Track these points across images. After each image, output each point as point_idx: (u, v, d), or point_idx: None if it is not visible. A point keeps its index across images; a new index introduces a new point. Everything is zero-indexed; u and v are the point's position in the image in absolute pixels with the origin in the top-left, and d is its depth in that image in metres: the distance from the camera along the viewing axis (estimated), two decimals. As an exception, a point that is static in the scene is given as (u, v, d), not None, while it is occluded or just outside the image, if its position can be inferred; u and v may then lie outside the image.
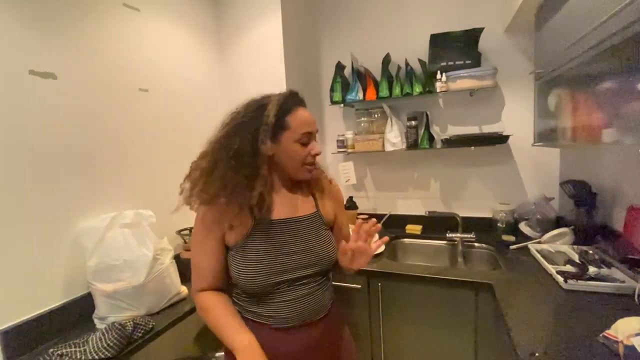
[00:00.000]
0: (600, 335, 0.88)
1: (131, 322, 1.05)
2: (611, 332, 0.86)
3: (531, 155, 1.82)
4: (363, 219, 1.06)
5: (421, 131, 1.89)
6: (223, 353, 0.92)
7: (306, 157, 0.88)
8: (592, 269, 1.26)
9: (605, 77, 0.94)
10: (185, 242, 1.55)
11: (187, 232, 1.56)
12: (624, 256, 1.26)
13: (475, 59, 1.77)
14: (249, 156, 0.82)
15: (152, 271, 1.19)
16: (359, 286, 1.58)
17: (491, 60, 1.82)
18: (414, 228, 2.03)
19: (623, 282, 1.15)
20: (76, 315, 1.17)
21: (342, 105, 2.01)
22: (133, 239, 1.21)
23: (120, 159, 1.37)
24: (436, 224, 1.97)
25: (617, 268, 1.26)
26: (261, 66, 1.84)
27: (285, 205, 0.90)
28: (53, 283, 1.13)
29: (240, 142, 0.82)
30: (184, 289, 1.34)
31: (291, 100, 0.88)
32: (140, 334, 1.06)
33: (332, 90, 1.99)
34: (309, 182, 0.96)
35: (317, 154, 0.89)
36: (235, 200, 0.81)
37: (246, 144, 0.82)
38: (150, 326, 1.11)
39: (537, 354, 0.86)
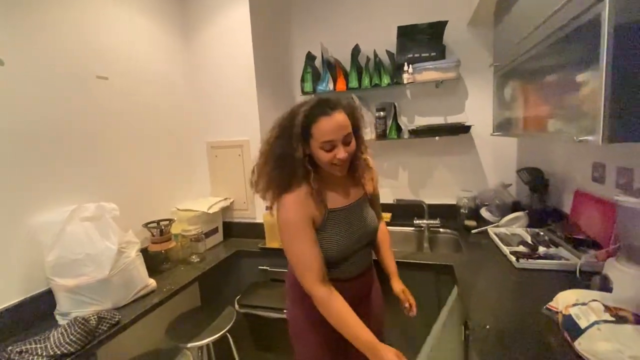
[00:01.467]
0: (544, 307, 0.97)
1: (95, 317, 1.03)
2: (553, 304, 0.95)
3: (491, 144, 1.92)
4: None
5: (389, 122, 1.94)
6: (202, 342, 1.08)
7: (332, 160, 0.96)
8: (541, 249, 1.37)
9: (550, 71, 1.01)
10: (153, 235, 1.52)
11: (154, 225, 1.53)
12: (569, 236, 1.38)
13: (440, 52, 1.83)
14: (290, 157, 0.95)
15: (117, 265, 1.16)
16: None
17: (455, 53, 1.89)
18: (383, 216, 2.09)
19: (568, 260, 1.26)
20: (36, 312, 1.12)
21: (313, 96, 2.02)
22: (95, 232, 1.17)
23: (80, 149, 1.31)
24: (404, 212, 2.04)
25: (564, 247, 1.37)
26: (228, 55, 1.81)
27: (343, 194, 1.07)
28: (7, 280, 1.08)
29: (281, 146, 0.96)
30: (152, 282, 1.32)
31: (318, 110, 0.94)
32: (105, 328, 1.04)
33: (302, 80, 2.00)
34: (360, 172, 1.09)
35: (341, 159, 0.95)
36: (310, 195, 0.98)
37: (286, 147, 0.95)
38: (116, 319, 1.09)
39: (487, 326, 0.94)
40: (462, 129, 1.81)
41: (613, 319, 0.79)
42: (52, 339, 0.95)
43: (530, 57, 1.14)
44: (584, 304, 0.86)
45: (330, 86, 1.93)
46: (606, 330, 0.76)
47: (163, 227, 1.53)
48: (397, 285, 1.18)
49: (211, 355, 1.60)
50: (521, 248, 1.40)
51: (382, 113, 1.92)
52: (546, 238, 1.47)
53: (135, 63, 1.58)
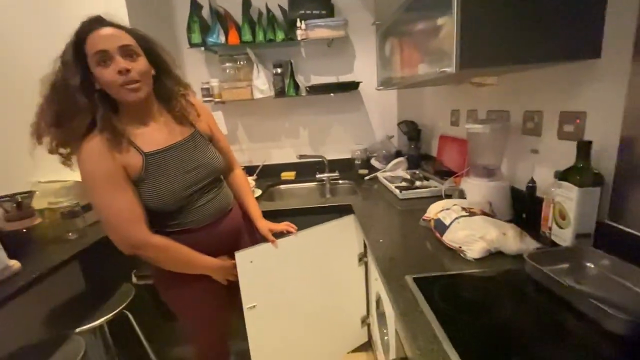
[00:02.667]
0: (420, 219, 1.18)
1: None
2: (426, 215, 1.17)
3: (376, 101, 2.15)
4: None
5: (287, 80, 1.96)
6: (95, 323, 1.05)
7: (114, 79, 0.82)
8: (417, 183, 1.64)
9: (418, 21, 1.17)
10: (7, 212, 1.21)
11: (6, 199, 1.22)
12: (436, 170, 1.69)
13: (329, 10, 1.91)
14: (67, 91, 0.81)
15: (-45, 244, 0.90)
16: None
17: (342, 13, 2.00)
18: (288, 175, 2.16)
19: (436, 187, 1.55)
20: None
21: (202, 48, 1.87)
22: None
23: None
24: (307, 169, 2.14)
25: (434, 180, 1.68)
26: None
27: (164, 134, 0.96)
28: None
29: (59, 84, 0.82)
30: (14, 262, 1.07)
31: (87, 26, 0.83)
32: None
33: (189, 30, 1.81)
34: (179, 108, 1.00)
35: (122, 70, 0.82)
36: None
37: (61, 82, 0.81)
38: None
39: (381, 240, 1.10)
40: (352, 86, 1.96)
41: (467, 214, 1.02)
42: None
43: (402, 12, 1.30)
44: (447, 209, 1.08)
45: (222, 38, 1.81)
46: (463, 222, 0.99)
47: (21, 200, 1.23)
48: (263, 225, 1.18)
49: (106, 337, 1.41)
50: (403, 184, 1.65)
51: (279, 70, 1.91)
52: (421, 175, 1.77)
53: None
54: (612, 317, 0.59)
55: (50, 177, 1.43)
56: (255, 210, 1.20)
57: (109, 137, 0.85)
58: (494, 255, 0.92)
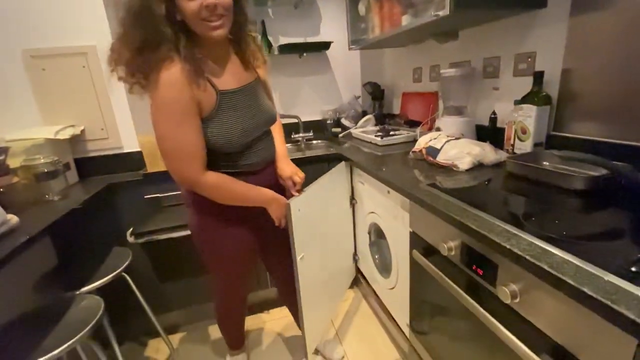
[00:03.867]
0: (409, 153, 1.39)
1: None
2: (415, 147, 1.37)
3: (342, 64, 2.30)
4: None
5: (260, 38, 1.97)
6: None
7: (200, 11, 0.80)
8: (392, 132, 1.86)
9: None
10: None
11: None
12: (406, 121, 1.93)
13: (296, -29, 1.96)
14: (152, 18, 0.79)
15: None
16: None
17: (308, -27, 2.07)
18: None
19: (409, 134, 1.78)
20: None
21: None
22: None
23: None
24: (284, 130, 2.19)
25: (403, 129, 1.91)
26: None
27: (234, 74, 0.97)
28: None
29: (140, 7, 0.78)
30: (12, 217, 0.97)
31: None
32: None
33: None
34: (253, 49, 1.01)
35: (208, 5, 0.80)
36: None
37: (145, 7, 0.78)
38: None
39: (383, 169, 1.28)
40: (324, 46, 2.07)
41: (453, 138, 1.25)
42: None
43: (383, -31, 1.45)
44: (435, 138, 1.30)
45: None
46: (452, 144, 1.21)
47: (-6, 156, 1.09)
48: (288, 168, 1.13)
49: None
50: (379, 134, 1.85)
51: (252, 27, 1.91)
52: (390, 128, 1.99)
53: None
54: (575, 178, 0.86)
55: (16, 136, 1.26)
56: (282, 148, 1.17)
57: (189, 69, 0.83)
58: (477, 167, 1.17)
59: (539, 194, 0.91)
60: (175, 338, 1.72)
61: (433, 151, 1.25)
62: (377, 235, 1.55)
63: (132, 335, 1.71)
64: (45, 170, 1.24)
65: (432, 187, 1.01)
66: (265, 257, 1.28)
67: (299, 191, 1.15)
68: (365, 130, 2.06)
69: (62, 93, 1.48)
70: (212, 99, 0.90)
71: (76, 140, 1.53)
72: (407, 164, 1.34)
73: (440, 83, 1.50)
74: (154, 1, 0.78)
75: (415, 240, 1.08)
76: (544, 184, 0.95)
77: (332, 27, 2.20)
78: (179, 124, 0.85)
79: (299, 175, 1.14)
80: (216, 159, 0.96)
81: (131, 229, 1.44)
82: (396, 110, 2.23)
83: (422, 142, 1.34)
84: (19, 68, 1.41)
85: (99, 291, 1.19)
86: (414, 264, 1.12)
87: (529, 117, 1.13)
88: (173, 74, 0.82)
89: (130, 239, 1.43)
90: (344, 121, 2.26)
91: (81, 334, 0.93)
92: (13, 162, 1.19)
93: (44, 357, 0.85)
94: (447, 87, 1.47)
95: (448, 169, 1.18)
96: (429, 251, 0.99)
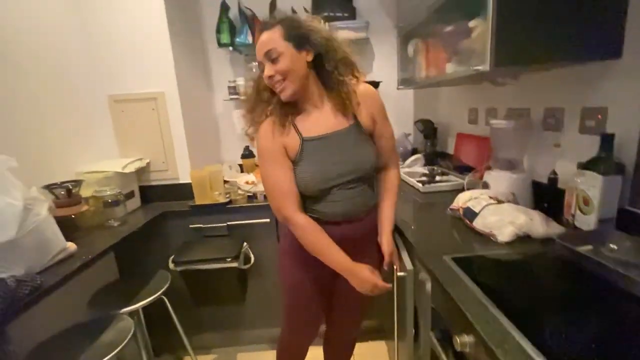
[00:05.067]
0: (447, 209, 1.26)
1: (12, 278, 0.86)
2: (453, 204, 1.25)
3: (394, 100, 2.23)
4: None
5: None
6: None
7: (268, 81, 0.95)
8: (437, 177, 1.72)
9: (447, 23, 1.26)
10: (58, 198, 1.29)
11: (57, 186, 1.30)
12: (456, 166, 1.77)
13: (350, 12, 1.99)
14: (256, 86, 1.03)
15: (26, 224, 0.97)
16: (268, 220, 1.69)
17: (363, 16, 2.09)
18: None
19: (456, 181, 1.63)
20: None
21: (230, 48, 1.95)
22: (-14, 189, 0.94)
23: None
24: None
25: (452, 174, 1.76)
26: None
27: (322, 122, 1.01)
28: None
29: (254, 94, 1.04)
30: (70, 244, 1.14)
31: (258, 35, 0.96)
32: (26, 292, 0.88)
33: (218, 31, 1.89)
34: (344, 95, 1.00)
35: (265, 77, 0.94)
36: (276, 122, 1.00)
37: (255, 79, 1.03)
38: (38, 282, 0.93)
39: (412, 227, 1.18)
40: (373, 85, 2.04)
41: (495, 202, 1.10)
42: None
43: (429, 15, 1.38)
44: (476, 198, 1.16)
45: (250, 38, 1.89)
46: (493, 209, 1.07)
47: (71, 188, 1.31)
48: (388, 240, 1.09)
49: (141, 321, 1.48)
50: (424, 178, 1.73)
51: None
52: (439, 171, 1.85)
53: (18, 14, 1.25)
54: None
55: (93, 168, 1.51)
56: (385, 220, 1.11)
57: (275, 121, 0.99)
58: (522, 239, 1.00)
59: (596, 299, 0.73)
60: (208, 358, 1.81)
61: (470, 214, 1.12)
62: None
63: (171, 349, 1.85)
64: (110, 201, 1.45)
65: (456, 262, 0.90)
66: (329, 312, 1.27)
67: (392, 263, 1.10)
68: (412, 171, 1.95)
69: (135, 131, 1.73)
70: (297, 145, 1.00)
71: (142, 171, 1.76)
72: (443, 222, 1.22)
73: (491, 132, 1.35)
74: (259, 75, 0.99)
75: (434, 318, 0.96)
76: (604, 281, 0.76)
77: (384, 65, 2.17)
78: (272, 166, 0.99)
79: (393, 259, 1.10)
80: (304, 202, 1.03)
81: (172, 257, 1.58)
82: (451, 149, 2.07)
83: (461, 200, 1.21)
84: (104, 110, 1.70)
85: (143, 309, 1.38)
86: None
87: (593, 187, 0.94)
88: (264, 127, 0.99)
89: (171, 266, 1.57)
90: (392, 159, 2.18)
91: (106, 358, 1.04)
92: (86, 192, 1.42)
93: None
94: (498, 137, 1.31)
95: (485, 238, 1.04)
96: (445, 336, 0.87)
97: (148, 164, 1.77)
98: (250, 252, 1.68)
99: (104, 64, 1.65)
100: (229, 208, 1.68)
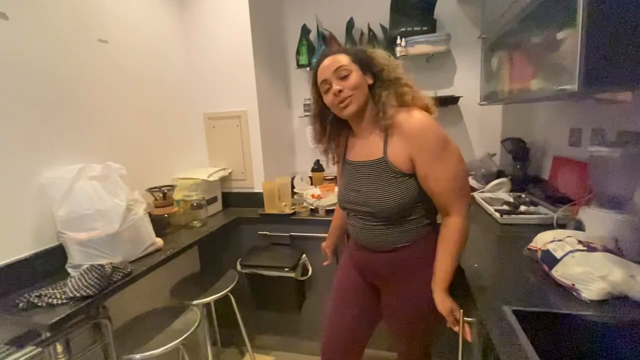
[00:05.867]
0: (525, 248, 1.08)
1: (110, 265, 1.08)
2: (532, 244, 1.06)
3: (477, 116, 2.03)
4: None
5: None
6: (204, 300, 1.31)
7: (333, 101, 0.96)
8: (522, 207, 1.48)
9: (534, 34, 1.09)
10: (156, 200, 1.56)
11: (156, 190, 1.57)
12: (548, 195, 1.50)
13: (431, 26, 1.90)
14: (315, 109, 1.10)
15: (126, 220, 1.21)
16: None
17: (445, 28, 1.97)
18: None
19: (546, 214, 1.38)
20: (47, 266, 1.16)
21: (308, 69, 2.06)
22: (103, 190, 1.20)
23: (83, 110, 1.33)
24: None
25: (543, 206, 1.50)
26: (226, 26, 1.82)
27: (360, 149, 1.04)
28: (19, 233, 1.11)
29: (313, 124, 1.13)
30: (159, 240, 1.37)
31: (320, 59, 1.00)
32: (119, 277, 1.09)
33: (298, 53, 2.03)
34: (380, 127, 0.96)
35: (335, 92, 0.94)
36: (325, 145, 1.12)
37: (315, 120, 1.11)
38: (129, 270, 1.14)
39: (476, 265, 1.04)
40: (452, 100, 1.90)
41: (585, 248, 0.90)
42: (69, 284, 1.00)
43: (514, 25, 1.22)
44: (559, 240, 0.97)
45: (326, 59, 1.97)
46: (579, 257, 0.87)
47: (166, 192, 1.57)
48: (440, 299, 0.93)
49: (212, 313, 1.67)
50: (504, 207, 1.52)
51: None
52: (527, 199, 1.59)
53: (133, 30, 1.58)
54: None
55: (185, 175, 1.78)
56: (438, 271, 0.95)
57: (330, 142, 1.12)
58: (617, 300, 0.79)
59: None
60: (266, 359, 1.92)
61: (549, 258, 0.94)
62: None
63: (236, 343, 2.02)
64: (195, 204, 1.69)
65: (516, 316, 0.76)
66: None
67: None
68: (494, 197, 1.73)
69: (222, 144, 1.97)
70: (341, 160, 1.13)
71: (225, 179, 1.99)
72: (517, 263, 1.05)
73: (589, 162, 1.10)
74: (313, 104, 1.08)
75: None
76: None
77: (467, 78, 2.00)
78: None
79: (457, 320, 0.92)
80: None
81: (240, 259, 1.73)
82: (545, 174, 1.77)
83: (541, 240, 1.02)
84: (200, 126, 1.99)
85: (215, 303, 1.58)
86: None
87: None
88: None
89: (238, 267, 1.72)
90: (472, 181, 1.97)
91: (173, 342, 1.20)
92: (177, 196, 1.68)
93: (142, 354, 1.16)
94: (600, 166, 1.07)
95: (566, 292, 0.85)
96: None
97: (230, 173, 1.99)
98: (309, 264, 1.73)
99: (201, 85, 1.94)
100: (293, 219, 1.77)
